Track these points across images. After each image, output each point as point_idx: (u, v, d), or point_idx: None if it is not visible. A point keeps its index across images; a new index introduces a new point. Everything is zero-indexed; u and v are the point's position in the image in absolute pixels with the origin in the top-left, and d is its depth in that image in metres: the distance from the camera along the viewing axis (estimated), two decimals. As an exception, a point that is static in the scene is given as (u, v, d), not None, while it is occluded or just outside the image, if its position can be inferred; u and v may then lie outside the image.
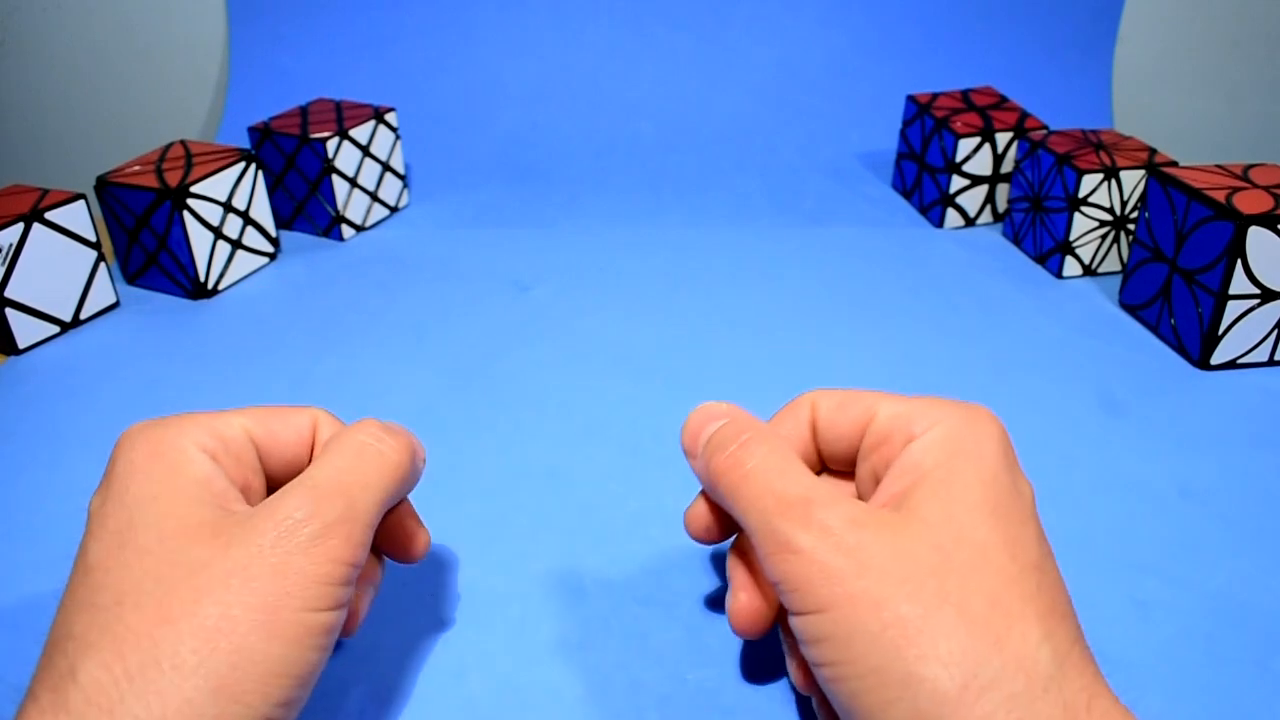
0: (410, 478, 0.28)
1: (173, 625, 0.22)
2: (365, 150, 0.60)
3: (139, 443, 0.25)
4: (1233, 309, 0.45)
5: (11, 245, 0.46)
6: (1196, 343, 0.46)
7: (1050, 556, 0.24)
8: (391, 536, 0.29)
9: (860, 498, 0.28)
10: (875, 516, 0.24)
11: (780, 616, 0.28)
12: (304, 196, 0.59)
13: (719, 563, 0.35)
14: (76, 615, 0.22)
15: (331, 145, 0.57)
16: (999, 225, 0.62)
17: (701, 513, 0.29)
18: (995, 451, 0.25)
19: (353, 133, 0.58)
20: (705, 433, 0.28)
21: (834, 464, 0.29)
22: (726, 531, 0.30)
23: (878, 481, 0.27)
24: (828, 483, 0.25)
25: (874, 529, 0.23)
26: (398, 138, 0.62)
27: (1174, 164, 0.52)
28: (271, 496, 0.25)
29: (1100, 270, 0.55)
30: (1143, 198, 0.50)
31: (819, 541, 0.23)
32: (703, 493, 0.30)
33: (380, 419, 0.29)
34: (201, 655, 0.21)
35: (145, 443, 0.25)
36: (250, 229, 0.55)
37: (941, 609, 0.22)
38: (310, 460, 0.28)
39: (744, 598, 0.28)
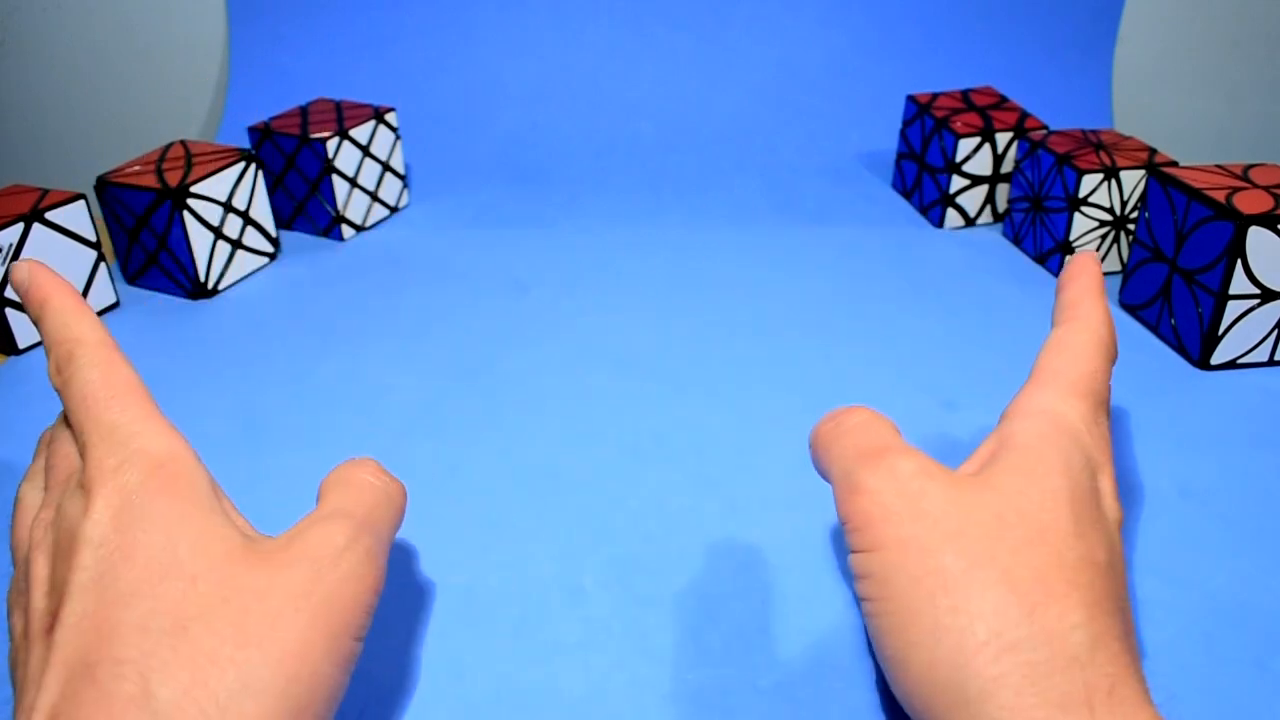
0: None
1: (255, 649, 0.21)
2: (365, 150, 0.60)
3: (139, 462, 0.24)
4: (1233, 309, 0.45)
5: (11, 245, 0.46)
6: (1196, 343, 0.46)
7: (1117, 568, 0.24)
8: None
9: None
10: (946, 473, 0.25)
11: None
12: (304, 196, 0.59)
13: (719, 562, 0.35)
14: (126, 638, 0.21)
15: (331, 145, 0.57)
16: (999, 225, 0.62)
17: None
18: (1067, 446, 0.25)
19: (353, 133, 0.58)
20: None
21: None
22: None
23: None
24: (915, 449, 0.26)
25: (940, 482, 0.24)
26: (398, 138, 0.62)
27: (1174, 164, 0.52)
28: (301, 525, 0.25)
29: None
30: (1143, 198, 0.50)
31: (884, 484, 0.25)
32: None
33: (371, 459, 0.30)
34: (285, 680, 0.21)
35: (144, 459, 0.24)
36: (250, 229, 0.55)
37: (985, 569, 0.22)
38: None
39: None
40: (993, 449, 0.26)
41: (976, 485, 0.24)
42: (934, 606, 0.22)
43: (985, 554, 0.23)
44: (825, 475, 0.28)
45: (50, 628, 0.23)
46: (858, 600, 0.25)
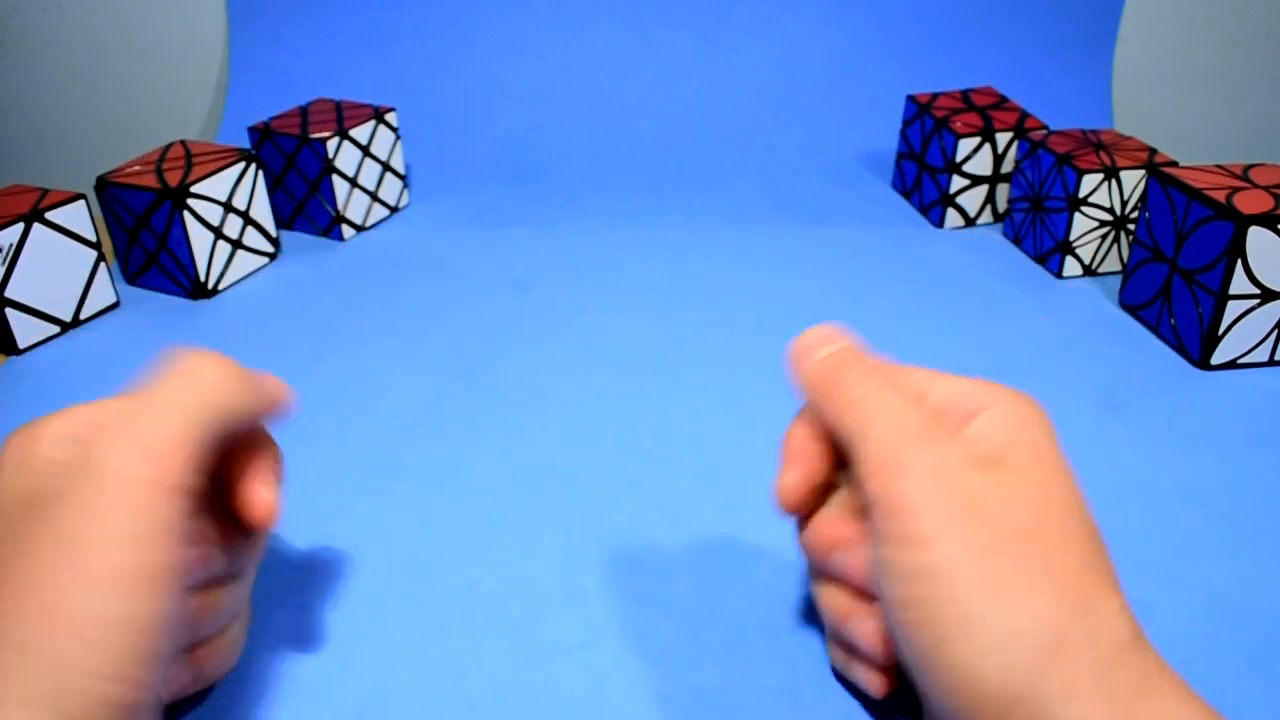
0: (247, 400, 0.26)
1: (7, 605, 0.21)
2: (365, 150, 0.60)
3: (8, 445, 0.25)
4: (1233, 309, 0.45)
5: (11, 245, 0.46)
6: (1196, 343, 0.46)
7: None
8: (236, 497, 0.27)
9: None
10: (984, 462, 0.24)
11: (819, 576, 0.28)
12: (304, 196, 0.59)
13: (719, 562, 0.35)
14: None
15: (331, 145, 0.57)
16: (999, 225, 0.62)
17: (798, 482, 0.28)
18: (1053, 432, 0.26)
19: (353, 133, 0.58)
20: (825, 348, 0.29)
21: None
22: (818, 503, 0.28)
23: None
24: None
25: (989, 475, 0.24)
26: (398, 138, 0.62)
27: (1174, 164, 0.52)
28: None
29: (1100, 270, 0.55)
30: (1143, 198, 0.50)
31: (939, 472, 0.23)
32: (789, 463, 0.28)
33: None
34: (39, 631, 0.21)
35: (12, 442, 0.25)
36: (250, 229, 0.55)
37: (1041, 570, 0.22)
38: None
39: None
40: (1004, 434, 0.25)
41: (1010, 478, 0.24)
42: (1003, 613, 0.22)
43: (1033, 553, 0.22)
44: (831, 412, 0.26)
45: None
46: (890, 604, 0.23)
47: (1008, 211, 0.60)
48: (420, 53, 0.78)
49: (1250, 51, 0.82)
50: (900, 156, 0.66)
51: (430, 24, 0.78)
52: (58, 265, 0.49)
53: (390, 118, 0.61)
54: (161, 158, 0.54)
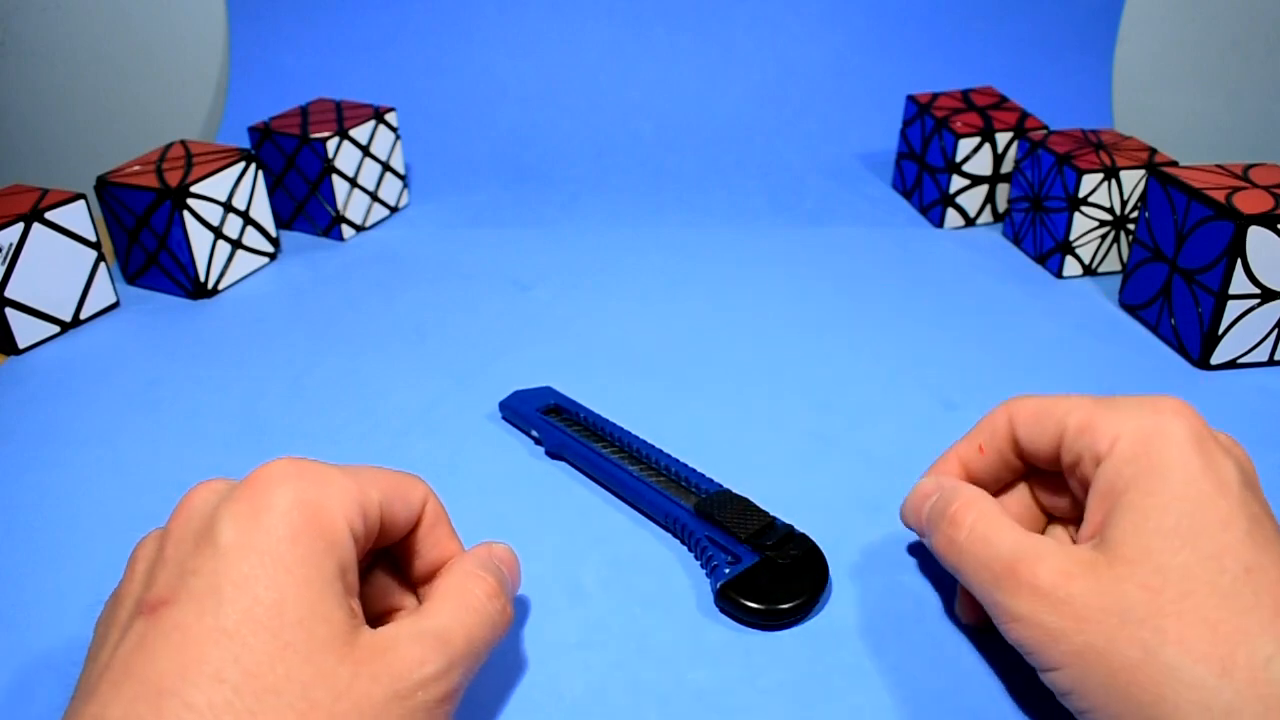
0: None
1: None
2: (365, 150, 0.60)
3: (296, 501, 0.23)
4: (1233, 309, 0.45)
5: (11, 245, 0.46)
6: (1196, 343, 0.46)
7: (1270, 544, 0.24)
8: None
9: (1079, 504, 0.29)
10: (1080, 564, 0.25)
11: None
12: (304, 196, 0.59)
13: (719, 563, 0.35)
14: (203, 682, 0.21)
15: (331, 145, 0.57)
16: (999, 225, 0.62)
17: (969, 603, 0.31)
18: (1185, 456, 0.25)
19: (353, 133, 0.58)
20: (923, 513, 0.30)
21: (1046, 468, 0.30)
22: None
23: (1087, 489, 0.27)
24: (1032, 536, 0.27)
25: (1081, 579, 0.24)
26: (398, 138, 0.62)
27: (1174, 164, 0.52)
28: (397, 631, 0.24)
29: (1100, 270, 0.55)
30: (1143, 198, 0.50)
31: (1034, 606, 0.25)
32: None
33: (497, 542, 0.29)
34: None
35: (302, 505, 0.23)
36: (250, 229, 0.55)
37: (1163, 648, 0.23)
38: (412, 535, 0.28)
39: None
40: (1101, 513, 0.26)
41: (1110, 561, 0.24)
42: (1138, 704, 0.22)
43: (1155, 633, 0.23)
44: (961, 581, 0.29)
45: (149, 610, 0.22)
46: (1074, 713, 0.25)
47: (1008, 211, 0.60)
48: (420, 53, 0.78)
49: (1250, 51, 0.82)
50: (900, 156, 0.66)
51: (430, 24, 0.78)
52: (58, 265, 0.49)
53: (390, 118, 0.61)
54: (161, 158, 0.54)
